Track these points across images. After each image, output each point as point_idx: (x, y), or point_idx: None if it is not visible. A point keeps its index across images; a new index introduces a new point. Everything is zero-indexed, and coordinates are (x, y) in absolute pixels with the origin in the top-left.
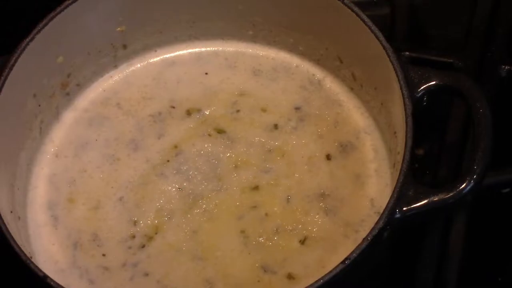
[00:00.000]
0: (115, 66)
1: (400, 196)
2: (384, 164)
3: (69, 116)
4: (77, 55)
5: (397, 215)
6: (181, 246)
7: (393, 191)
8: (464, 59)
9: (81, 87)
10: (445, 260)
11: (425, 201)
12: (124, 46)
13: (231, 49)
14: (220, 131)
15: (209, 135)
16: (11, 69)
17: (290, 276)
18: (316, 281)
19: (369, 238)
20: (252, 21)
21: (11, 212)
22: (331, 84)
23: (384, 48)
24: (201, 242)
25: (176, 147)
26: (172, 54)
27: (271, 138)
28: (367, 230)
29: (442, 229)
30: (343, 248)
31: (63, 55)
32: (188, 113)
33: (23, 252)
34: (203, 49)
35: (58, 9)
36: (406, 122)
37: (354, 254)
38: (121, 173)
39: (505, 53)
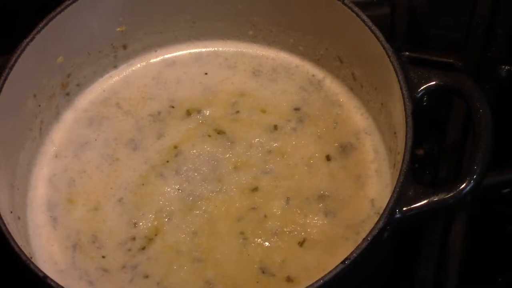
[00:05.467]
0: (115, 66)
1: (400, 196)
2: (384, 165)
3: (69, 116)
4: (77, 55)
5: (397, 215)
6: (181, 247)
7: (393, 191)
8: (464, 59)
9: (81, 87)
10: (445, 260)
11: (425, 201)
12: (124, 46)
13: (231, 49)
14: (220, 132)
15: (209, 135)
16: (11, 69)
17: (289, 279)
18: (316, 281)
19: (369, 238)
20: (252, 21)
21: (11, 212)
22: (331, 85)
23: (384, 48)
24: (201, 243)
25: (175, 147)
26: (172, 54)
27: (270, 139)
28: (367, 231)
29: (442, 229)
30: (343, 250)
31: (63, 55)
32: (188, 113)
33: (23, 252)
34: (203, 49)
35: (58, 9)
36: (406, 122)
37: (354, 254)
38: (120, 173)
39: (505, 53)
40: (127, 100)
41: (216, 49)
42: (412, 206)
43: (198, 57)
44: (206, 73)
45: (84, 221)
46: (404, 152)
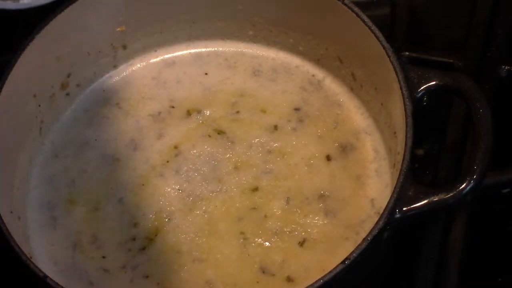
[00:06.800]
0: (115, 66)
1: (400, 196)
2: (384, 165)
3: (69, 116)
4: (77, 55)
5: (397, 215)
6: (181, 247)
7: (393, 191)
8: (464, 59)
9: (81, 87)
10: (445, 260)
11: (425, 201)
12: (124, 46)
13: (231, 49)
14: (220, 132)
15: (209, 136)
16: (11, 69)
17: (289, 279)
18: (316, 281)
19: (369, 238)
20: (252, 21)
21: (11, 212)
22: (331, 85)
23: (384, 48)
24: (201, 243)
25: (175, 147)
26: (172, 54)
27: (270, 139)
28: (367, 231)
29: (442, 229)
30: (343, 250)
31: (63, 55)
32: (188, 113)
33: (23, 252)
34: (203, 49)
35: (58, 9)
36: (406, 122)
37: (354, 254)
38: (120, 173)
39: (505, 53)
40: (127, 100)
41: (216, 49)
42: (412, 206)
43: (198, 57)
44: (206, 73)
45: (84, 221)
46: (404, 152)
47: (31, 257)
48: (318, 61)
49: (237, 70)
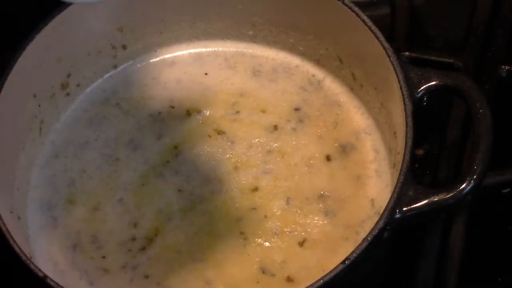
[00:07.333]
0: (115, 66)
1: (400, 196)
2: (384, 165)
3: (69, 116)
4: (77, 55)
5: (397, 215)
6: (181, 247)
7: (393, 192)
8: (464, 59)
9: (81, 87)
10: (445, 260)
11: (425, 201)
12: (124, 46)
13: (231, 49)
14: (220, 132)
15: (209, 136)
16: (11, 69)
17: (289, 279)
18: (316, 281)
19: (369, 238)
20: (252, 21)
21: (11, 212)
22: (331, 85)
23: (384, 48)
24: (201, 243)
25: (176, 147)
26: (172, 54)
27: (270, 139)
28: (367, 231)
29: (442, 229)
30: (343, 250)
31: (63, 55)
32: (188, 113)
33: (23, 252)
34: (203, 49)
35: (58, 9)
36: (406, 122)
37: (354, 254)
38: (120, 173)
39: (505, 53)
40: (127, 100)
41: (216, 49)
42: (412, 206)
43: (198, 57)
44: (206, 73)
45: (84, 221)
46: (404, 152)
47: (31, 257)
48: (318, 61)
49: (237, 70)
